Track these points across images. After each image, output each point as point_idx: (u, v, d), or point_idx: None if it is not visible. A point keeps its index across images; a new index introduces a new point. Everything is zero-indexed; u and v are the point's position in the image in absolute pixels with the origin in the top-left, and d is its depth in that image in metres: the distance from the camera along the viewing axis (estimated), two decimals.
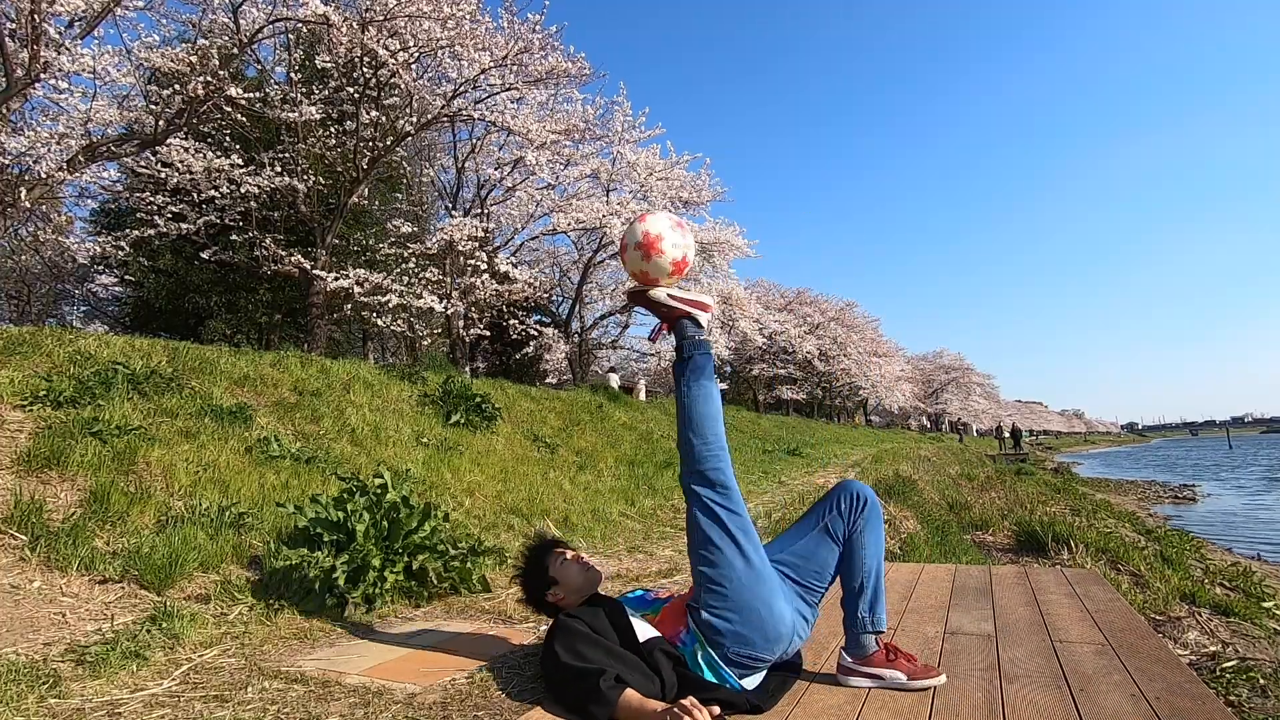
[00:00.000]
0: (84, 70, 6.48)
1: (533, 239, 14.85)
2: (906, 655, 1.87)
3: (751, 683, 1.77)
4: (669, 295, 2.01)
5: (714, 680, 1.74)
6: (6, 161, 6.29)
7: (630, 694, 1.62)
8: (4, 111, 5.95)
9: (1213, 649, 3.39)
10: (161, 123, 7.12)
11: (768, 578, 1.80)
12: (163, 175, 8.34)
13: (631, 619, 1.86)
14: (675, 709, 1.53)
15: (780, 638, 1.78)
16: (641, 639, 1.80)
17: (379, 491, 3.08)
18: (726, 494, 1.83)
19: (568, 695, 1.71)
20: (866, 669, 1.84)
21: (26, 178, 6.46)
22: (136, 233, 8.63)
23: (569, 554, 2.10)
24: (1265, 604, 4.96)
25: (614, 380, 15.00)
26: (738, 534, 1.80)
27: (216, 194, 8.66)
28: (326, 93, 8.86)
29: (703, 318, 2.03)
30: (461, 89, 8.98)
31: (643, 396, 15.06)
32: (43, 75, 5.90)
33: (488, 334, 13.51)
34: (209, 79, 6.85)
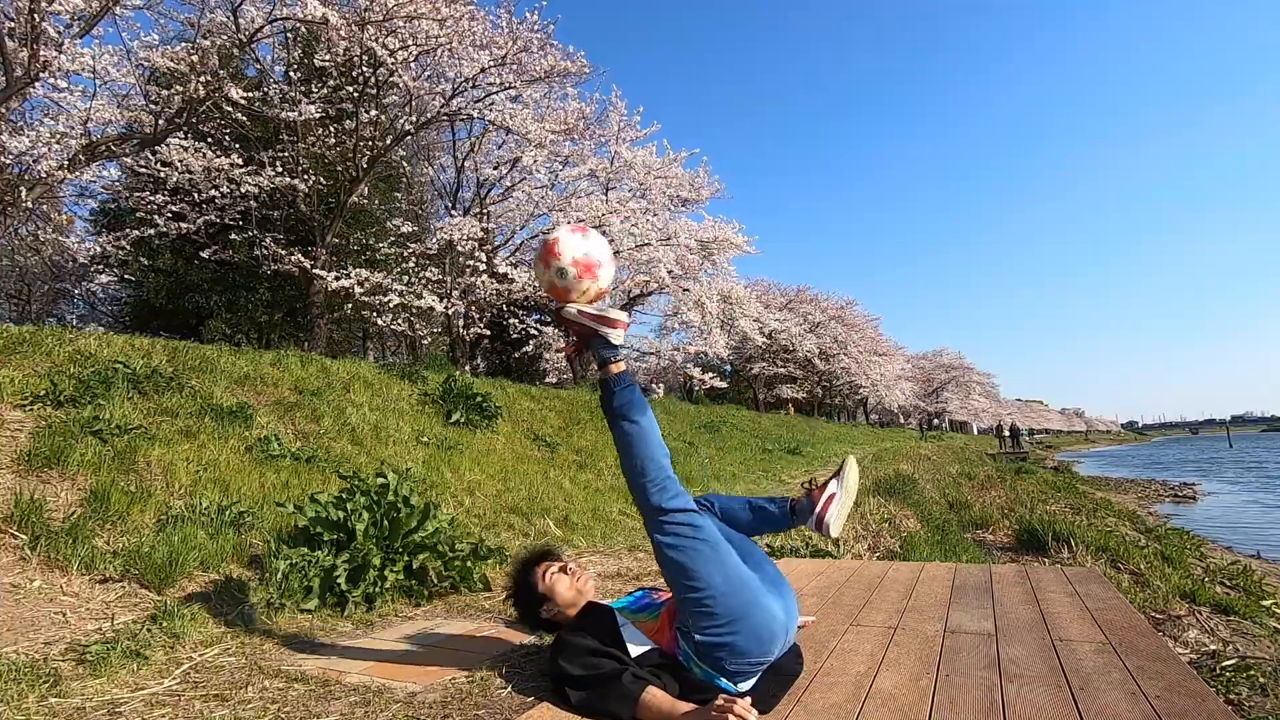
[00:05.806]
0: (83, 69, 6.47)
1: (532, 238, 14.83)
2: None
3: (747, 684, 1.75)
4: (579, 311, 1.92)
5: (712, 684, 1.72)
6: (7, 161, 6.29)
7: (655, 691, 1.58)
8: (4, 111, 5.95)
9: (1213, 647, 3.39)
10: (161, 122, 7.12)
11: (748, 580, 1.76)
12: (162, 174, 8.34)
13: (623, 631, 1.80)
14: (714, 710, 1.47)
15: (774, 636, 1.74)
16: (634, 654, 1.74)
17: (379, 490, 3.09)
18: (685, 515, 1.77)
19: (586, 699, 1.66)
20: (824, 520, 2.08)
21: (27, 177, 6.45)
22: (136, 232, 8.63)
23: (555, 566, 2.05)
24: (1265, 602, 4.96)
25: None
26: (705, 549, 1.75)
27: (216, 193, 8.66)
28: (326, 92, 8.85)
29: (614, 335, 1.92)
30: (461, 88, 8.97)
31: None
32: (42, 74, 5.90)
33: (488, 333, 13.50)
34: (208, 78, 6.85)
